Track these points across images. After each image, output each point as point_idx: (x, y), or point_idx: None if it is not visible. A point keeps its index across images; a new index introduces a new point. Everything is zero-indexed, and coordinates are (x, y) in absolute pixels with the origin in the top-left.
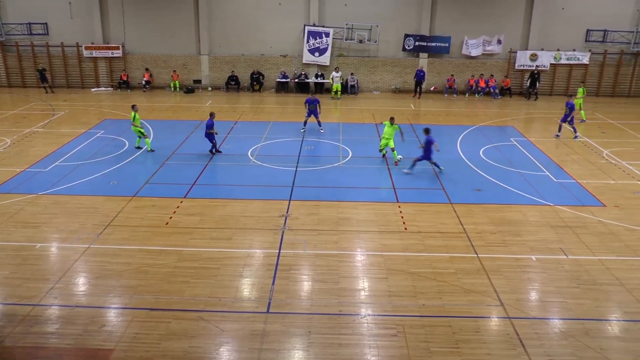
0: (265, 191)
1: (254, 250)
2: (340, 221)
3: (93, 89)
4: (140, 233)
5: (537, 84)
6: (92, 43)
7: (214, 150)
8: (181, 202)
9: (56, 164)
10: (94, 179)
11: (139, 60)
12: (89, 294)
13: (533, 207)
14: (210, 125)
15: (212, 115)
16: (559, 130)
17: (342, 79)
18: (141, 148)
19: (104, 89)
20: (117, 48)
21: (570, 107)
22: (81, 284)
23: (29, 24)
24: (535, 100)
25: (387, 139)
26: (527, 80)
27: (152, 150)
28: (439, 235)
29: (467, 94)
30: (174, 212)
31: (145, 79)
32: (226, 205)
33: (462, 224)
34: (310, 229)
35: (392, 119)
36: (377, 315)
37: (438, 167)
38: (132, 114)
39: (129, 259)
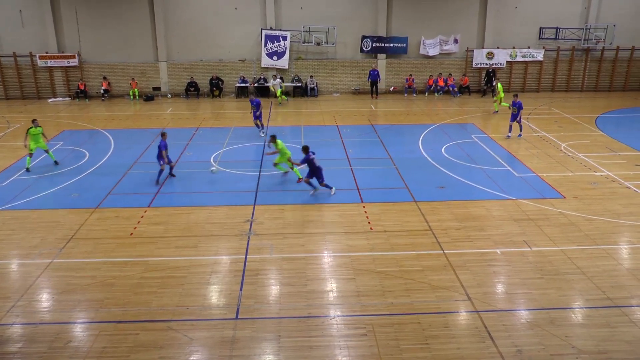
0: (230, 197)
1: (221, 256)
2: (305, 224)
3: (50, 100)
4: (105, 245)
5: (494, 81)
6: (47, 52)
7: (172, 173)
8: (145, 211)
9: (13, 178)
10: (54, 192)
11: (97, 68)
12: (53, 310)
13: (496, 202)
14: (163, 146)
15: (163, 135)
16: (510, 130)
17: (283, 87)
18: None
19: (61, 99)
20: (73, 57)
21: (518, 107)
22: (44, 300)
23: None
24: (493, 97)
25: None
26: (484, 78)
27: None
28: (404, 233)
29: (426, 93)
30: (138, 222)
31: (103, 87)
32: (191, 212)
33: (427, 222)
34: (276, 232)
35: (272, 137)
36: (346, 315)
37: (329, 187)
38: (34, 128)
39: (94, 272)
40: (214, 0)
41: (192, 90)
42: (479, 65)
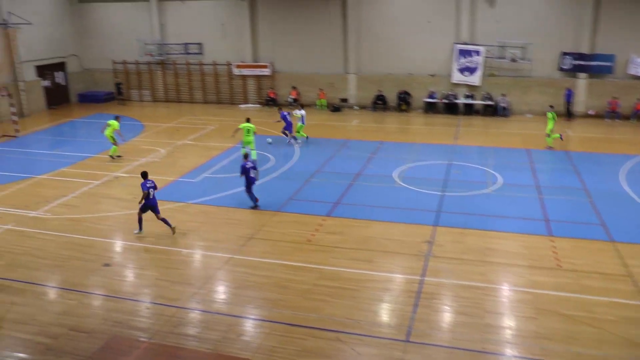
0: (409, 215)
1: (395, 274)
2: (487, 251)
3: (241, 105)
4: (282, 248)
5: None
6: (242, 61)
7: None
8: (323, 220)
9: (205, 175)
10: (239, 193)
11: (287, 78)
12: (229, 302)
13: None
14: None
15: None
16: None
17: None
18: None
19: (252, 105)
20: (266, 67)
21: None
22: (222, 292)
23: (186, 44)
24: None
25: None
26: None
27: (112, 158)
28: (597, 275)
29: (632, 119)
30: (316, 230)
31: (292, 96)
32: (368, 226)
33: (626, 266)
34: (455, 257)
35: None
36: (524, 357)
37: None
38: (113, 122)
39: (270, 272)
40: (407, 12)
41: (379, 103)
42: None
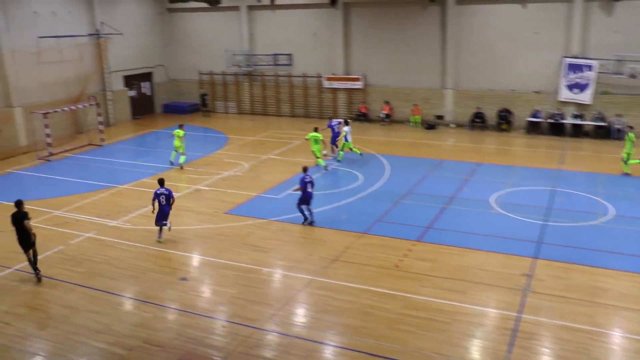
0: (507, 244)
1: (489, 309)
2: (595, 291)
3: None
4: (367, 272)
5: None
6: (333, 74)
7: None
8: (413, 245)
9: (288, 192)
10: (324, 211)
11: (379, 92)
12: (309, 327)
13: None
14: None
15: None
16: None
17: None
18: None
19: (342, 120)
20: (358, 79)
21: None
22: (302, 315)
23: (275, 54)
24: None
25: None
26: None
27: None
28: None
29: None
30: (405, 255)
31: (384, 112)
32: (462, 254)
33: None
34: (558, 294)
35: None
36: None
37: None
38: (178, 131)
39: (353, 297)
40: (513, 22)
41: (477, 121)
42: None
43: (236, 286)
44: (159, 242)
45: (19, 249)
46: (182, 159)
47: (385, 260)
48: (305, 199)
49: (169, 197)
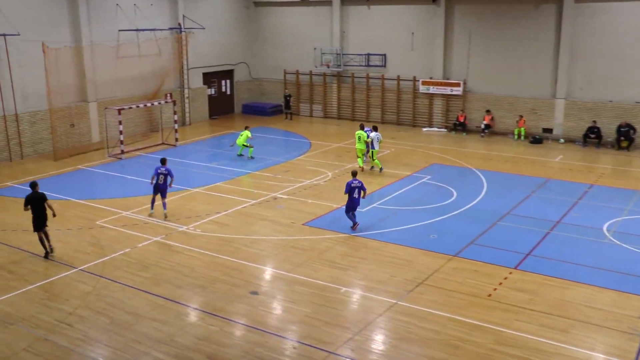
0: (621, 280)
1: (597, 354)
2: None
3: (424, 129)
4: (456, 300)
5: None
6: (431, 78)
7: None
8: (510, 273)
9: (374, 205)
10: (412, 228)
11: (481, 100)
12: (388, 355)
13: None
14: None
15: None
16: None
17: (382, 142)
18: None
19: (436, 129)
20: (458, 85)
21: None
22: (381, 342)
23: (368, 54)
24: None
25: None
26: None
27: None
28: None
29: None
30: (500, 284)
31: (485, 122)
32: (567, 287)
33: None
34: None
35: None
36: None
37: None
38: (245, 132)
39: (438, 326)
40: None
41: (592, 137)
42: None
43: (310, 304)
44: (150, 214)
45: (83, 248)
46: (250, 150)
47: (477, 288)
48: (352, 206)
49: (168, 175)
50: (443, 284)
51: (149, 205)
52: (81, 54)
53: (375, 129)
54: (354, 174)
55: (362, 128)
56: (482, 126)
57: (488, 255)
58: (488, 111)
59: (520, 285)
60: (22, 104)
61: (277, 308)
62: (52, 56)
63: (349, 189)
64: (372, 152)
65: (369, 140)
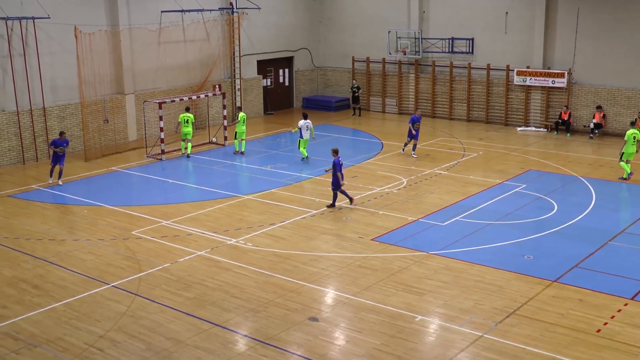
0: None
1: None
2: None
3: (519, 128)
4: (556, 335)
5: None
6: (528, 67)
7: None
8: (625, 304)
9: (457, 218)
10: (503, 247)
11: (590, 94)
12: None
13: None
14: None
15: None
16: None
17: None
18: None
19: (534, 128)
20: (562, 76)
21: None
22: None
23: (452, 39)
24: None
25: None
26: None
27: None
28: None
29: None
30: (612, 317)
31: (595, 120)
32: None
33: None
34: None
35: None
36: None
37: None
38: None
39: None
40: None
41: None
42: None
43: (380, 335)
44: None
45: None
46: (242, 145)
47: (583, 322)
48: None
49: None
50: (540, 316)
51: (194, 211)
52: (118, 39)
53: (305, 116)
54: (336, 152)
55: (305, 118)
56: (592, 125)
57: (597, 282)
58: (599, 107)
59: (638, 321)
60: (51, 97)
61: (340, 338)
62: (85, 42)
63: (336, 167)
64: (300, 141)
65: (296, 129)
